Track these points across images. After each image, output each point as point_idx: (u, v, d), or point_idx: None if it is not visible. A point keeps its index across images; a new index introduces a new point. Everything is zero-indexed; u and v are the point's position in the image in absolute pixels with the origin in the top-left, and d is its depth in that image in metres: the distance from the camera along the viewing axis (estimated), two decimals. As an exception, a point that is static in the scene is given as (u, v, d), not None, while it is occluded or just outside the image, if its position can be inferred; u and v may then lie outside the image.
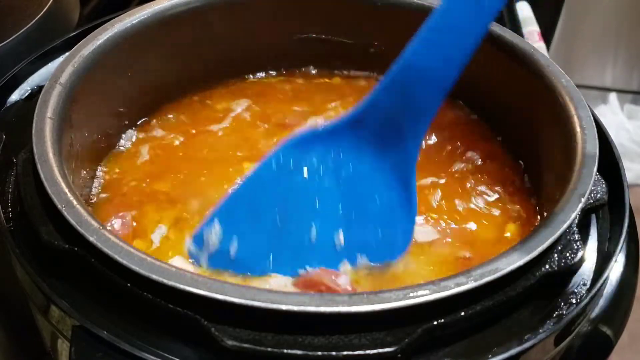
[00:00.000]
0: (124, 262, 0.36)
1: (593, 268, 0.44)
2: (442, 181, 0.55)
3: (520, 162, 0.57)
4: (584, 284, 0.42)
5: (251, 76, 0.67)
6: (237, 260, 0.44)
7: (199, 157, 0.57)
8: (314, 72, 0.68)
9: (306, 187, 0.46)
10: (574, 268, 0.42)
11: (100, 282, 0.38)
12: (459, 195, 0.54)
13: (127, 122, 0.59)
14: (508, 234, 0.51)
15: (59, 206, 0.39)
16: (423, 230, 0.50)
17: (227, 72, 0.66)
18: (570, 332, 0.41)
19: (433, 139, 0.60)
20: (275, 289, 0.43)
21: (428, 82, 0.45)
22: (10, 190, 0.46)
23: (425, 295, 0.36)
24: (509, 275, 0.38)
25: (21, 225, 0.43)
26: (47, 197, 0.40)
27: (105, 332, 0.36)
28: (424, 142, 0.59)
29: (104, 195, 0.53)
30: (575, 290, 0.42)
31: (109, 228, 0.46)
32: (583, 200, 0.42)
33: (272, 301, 0.35)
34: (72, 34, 0.59)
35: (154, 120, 0.61)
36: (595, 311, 0.44)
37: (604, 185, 0.47)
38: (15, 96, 0.55)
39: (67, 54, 0.51)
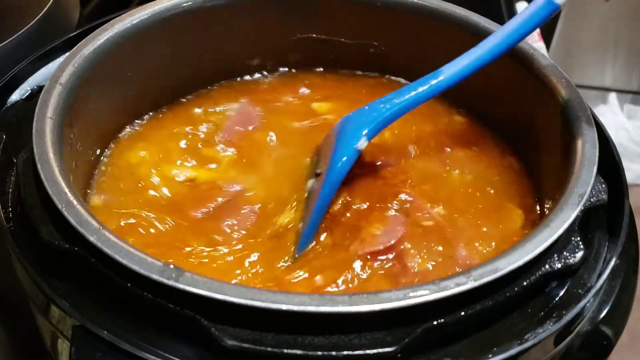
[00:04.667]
0: (124, 262, 0.36)
1: (593, 268, 0.44)
2: (441, 181, 0.55)
3: (520, 162, 0.57)
4: (584, 284, 0.42)
5: (251, 76, 0.67)
6: None
7: (198, 156, 0.57)
8: (314, 72, 0.68)
9: None
10: (574, 268, 0.42)
11: (101, 282, 0.38)
12: (458, 196, 0.54)
13: (127, 122, 0.59)
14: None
15: (59, 206, 0.39)
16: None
17: (227, 72, 0.66)
18: (570, 332, 0.41)
19: (432, 140, 0.60)
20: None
21: None
22: (10, 190, 0.46)
23: (425, 295, 0.36)
24: (509, 275, 0.38)
25: (21, 225, 0.43)
26: (48, 197, 0.40)
27: (105, 332, 0.37)
28: (421, 144, 0.60)
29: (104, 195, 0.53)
30: (575, 290, 0.42)
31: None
32: (583, 200, 0.42)
33: (272, 301, 0.35)
34: (72, 34, 0.59)
35: (153, 121, 0.61)
36: (595, 311, 0.44)
37: (603, 186, 0.47)
38: (15, 96, 0.55)
39: (67, 54, 0.51)
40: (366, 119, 0.46)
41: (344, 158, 0.45)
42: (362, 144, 0.46)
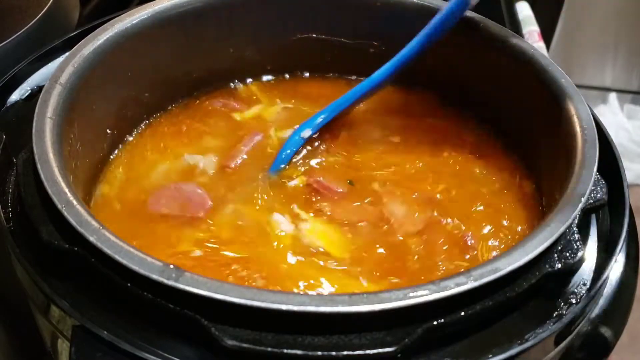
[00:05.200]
0: (124, 262, 0.36)
1: (593, 268, 0.44)
2: (440, 183, 0.55)
3: (520, 162, 0.57)
4: (584, 284, 0.42)
5: (251, 76, 0.67)
6: None
7: (198, 154, 0.57)
8: (314, 72, 0.68)
9: None
10: (574, 268, 0.42)
11: (101, 282, 0.38)
12: (457, 197, 0.54)
13: (127, 122, 0.59)
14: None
15: (59, 206, 0.39)
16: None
17: (227, 72, 0.66)
18: (570, 332, 0.41)
19: (431, 141, 0.60)
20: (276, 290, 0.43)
21: None
22: (10, 190, 0.46)
23: (425, 295, 0.36)
24: (509, 275, 0.38)
25: (21, 225, 0.43)
26: (48, 197, 0.40)
27: (105, 332, 0.37)
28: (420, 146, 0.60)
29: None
30: (575, 290, 0.42)
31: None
32: (583, 200, 0.42)
33: (272, 301, 0.35)
34: (72, 34, 0.59)
35: (154, 120, 0.61)
36: (595, 311, 0.44)
37: (603, 186, 0.47)
38: (15, 96, 0.55)
39: (67, 54, 0.51)
40: (313, 119, 0.59)
41: (289, 149, 0.58)
42: (305, 134, 0.58)
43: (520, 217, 0.52)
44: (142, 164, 0.56)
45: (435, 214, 0.52)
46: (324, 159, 0.57)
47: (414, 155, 0.58)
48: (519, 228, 0.51)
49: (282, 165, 0.56)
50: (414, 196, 0.53)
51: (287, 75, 0.67)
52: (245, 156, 0.57)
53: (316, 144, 0.59)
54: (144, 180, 0.55)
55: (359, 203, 0.53)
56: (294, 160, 0.57)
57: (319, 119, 0.59)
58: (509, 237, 0.51)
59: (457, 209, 0.53)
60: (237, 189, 0.54)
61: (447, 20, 0.54)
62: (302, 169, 0.56)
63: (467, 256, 0.49)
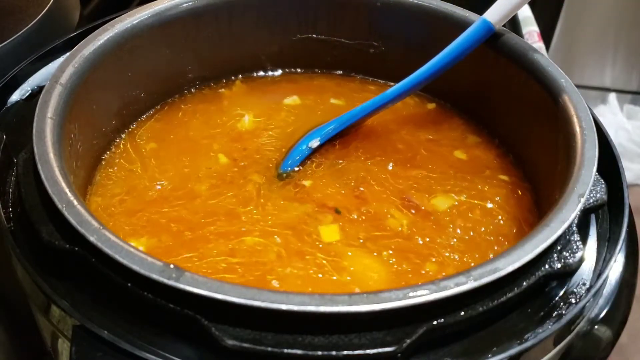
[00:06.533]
0: (124, 262, 0.36)
1: (592, 268, 0.44)
2: (440, 182, 0.55)
3: (520, 162, 0.57)
4: (584, 284, 0.42)
5: (250, 76, 0.67)
6: None
7: (198, 155, 0.57)
8: (314, 72, 0.68)
9: None
10: (574, 268, 0.42)
11: (101, 282, 0.38)
12: (457, 197, 0.54)
13: (127, 122, 0.59)
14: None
15: (60, 206, 0.39)
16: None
17: (227, 72, 0.66)
18: (570, 332, 0.42)
19: (430, 142, 0.60)
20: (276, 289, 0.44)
21: None
22: (10, 190, 0.46)
23: (425, 295, 0.36)
24: (509, 275, 0.38)
25: (22, 225, 0.43)
26: (48, 197, 0.40)
27: (105, 332, 0.37)
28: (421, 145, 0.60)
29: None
30: (575, 290, 0.42)
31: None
32: (582, 200, 0.42)
33: (272, 301, 0.35)
34: (72, 35, 0.59)
35: (154, 120, 0.61)
36: (595, 311, 0.44)
37: (603, 186, 0.47)
38: (15, 96, 0.55)
39: (67, 54, 0.51)
40: (322, 130, 0.59)
41: (297, 156, 0.57)
42: (313, 144, 0.58)
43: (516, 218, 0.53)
44: (143, 163, 0.56)
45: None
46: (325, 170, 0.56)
47: (416, 168, 0.57)
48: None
49: (289, 169, 0.56)
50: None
51: (286, 75, 0.68)
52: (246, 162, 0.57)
53: (322, 153, 0.58)
54: (145, 180, 0.55)
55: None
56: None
57: (329, 129, 0.58)
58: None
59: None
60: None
61: (469, 46, 0.55)
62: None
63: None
